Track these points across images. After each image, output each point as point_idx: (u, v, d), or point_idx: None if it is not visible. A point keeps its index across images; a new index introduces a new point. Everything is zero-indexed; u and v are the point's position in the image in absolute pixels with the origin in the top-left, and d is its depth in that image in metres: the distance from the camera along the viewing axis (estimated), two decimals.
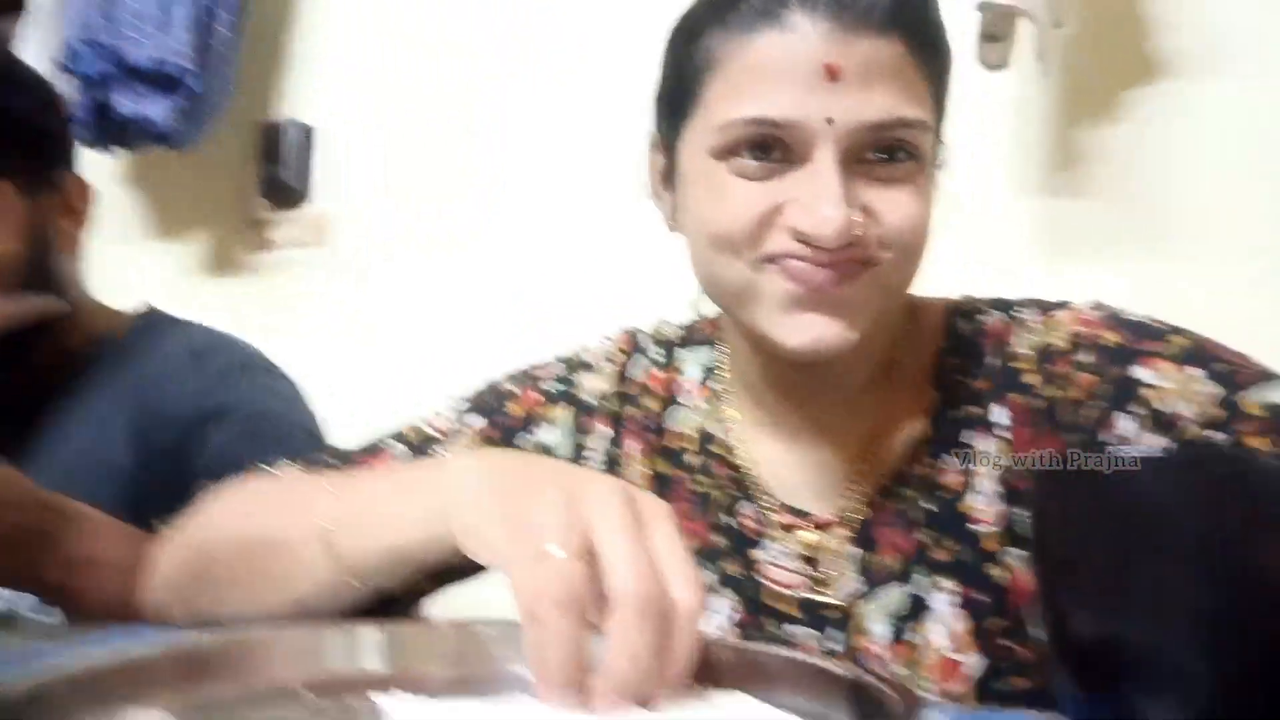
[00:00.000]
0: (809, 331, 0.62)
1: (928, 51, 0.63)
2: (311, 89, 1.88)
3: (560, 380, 0.79)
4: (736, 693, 0.48)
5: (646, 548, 0.44)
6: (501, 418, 0.77)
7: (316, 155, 1.86)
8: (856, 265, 0.62)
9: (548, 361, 0.81)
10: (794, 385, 0.72)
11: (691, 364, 0.79)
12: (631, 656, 0.42)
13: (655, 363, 0.79)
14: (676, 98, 0.67)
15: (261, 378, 1.04)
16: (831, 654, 0.68)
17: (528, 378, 0.79)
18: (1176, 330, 0.64)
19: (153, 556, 0.73)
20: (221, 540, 0.68)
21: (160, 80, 1.65)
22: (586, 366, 0.79)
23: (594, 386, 0.78)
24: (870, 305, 0.63)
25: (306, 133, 1.86)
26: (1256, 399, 0.58)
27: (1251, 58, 1.25)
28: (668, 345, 0.80)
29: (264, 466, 0.78)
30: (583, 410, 0.77)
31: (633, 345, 0.80)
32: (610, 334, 0.82)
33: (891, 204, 0.62)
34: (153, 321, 1.09)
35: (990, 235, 1.29)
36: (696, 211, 0.66)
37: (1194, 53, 1.27)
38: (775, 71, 0.61)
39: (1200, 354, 0.62)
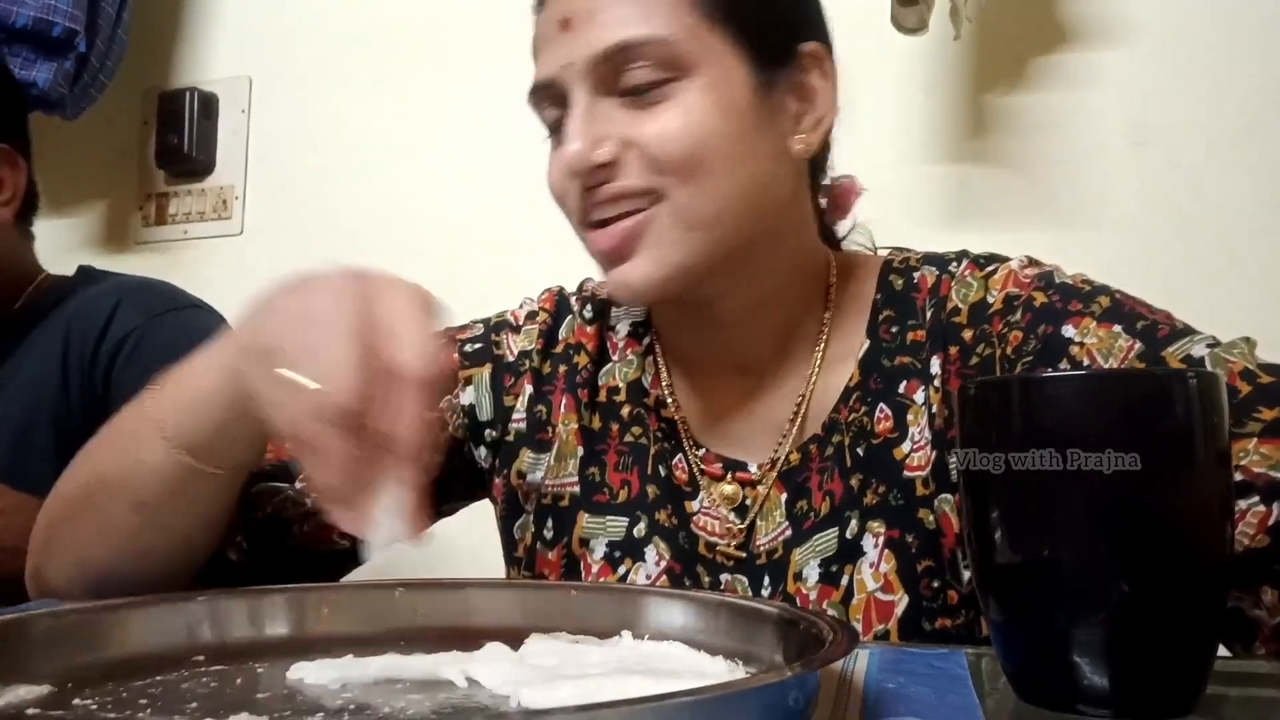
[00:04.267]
0: (615, 279, 0.66)
1: None
2: (214, 56, 1.81)
3: (480, 340, 0.79)
4: (672, 642, 0.47)
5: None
6: None
7: (220, 125, 1.79)
8: (639, 216, 0.64)
9: (468, 324, 0.81)
10: (702, 335, 0.73)
11: (623, 319, 0.79)
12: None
13: (584, 319, 0.79)
14: None
15: (190, 316, 1.07)
16: (763, 599, 0.68)
17: (449, 340, 0.79)
18: (1103, 290, 0.66)
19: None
20: (74, 469, 0.68)
21: (45, 43, 1.55)
22: (509, 326, 0.80)
23: (516, 345, 0.78)
24: (671, 239, 0.64)
25: (209, 101, 1.78)
26: (1177, 352, 0.59)
27: (1156, 27, 1.28)
28: (596, 303, 0.80)
29: None
30: (503, 369, 0.78)
31: (558, 304, 0.81)
32: (533, 295, 0.83)
33: (651, 126, 0.64)
34: (89, 274, 1.20)
35: (899, 201, 1.30)
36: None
37: (1101, 21, 1.30)
38: (540, 41, 0.68)
39: (1123, 312, 0.63)
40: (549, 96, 0.67)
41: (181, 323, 1.07)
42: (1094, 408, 0.39)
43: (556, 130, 0.68)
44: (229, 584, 0.63)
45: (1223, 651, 0.51)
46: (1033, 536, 0.40)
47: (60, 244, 1.82)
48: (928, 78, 1.36)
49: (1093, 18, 1.30)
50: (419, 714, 0.38)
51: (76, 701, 0.39)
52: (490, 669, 0.42)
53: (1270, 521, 0.51)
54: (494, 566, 0.84)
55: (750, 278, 0.69)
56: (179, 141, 1.74)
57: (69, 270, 1.22)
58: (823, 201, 0.78)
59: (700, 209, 0.64)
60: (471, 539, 0.92)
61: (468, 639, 0.48)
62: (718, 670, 0.43)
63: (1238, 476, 0.53)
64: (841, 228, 0.81)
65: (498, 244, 1.55)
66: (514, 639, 0.47)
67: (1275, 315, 1.17)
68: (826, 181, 0.77)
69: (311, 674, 0.43)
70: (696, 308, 0.71)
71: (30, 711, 0.37)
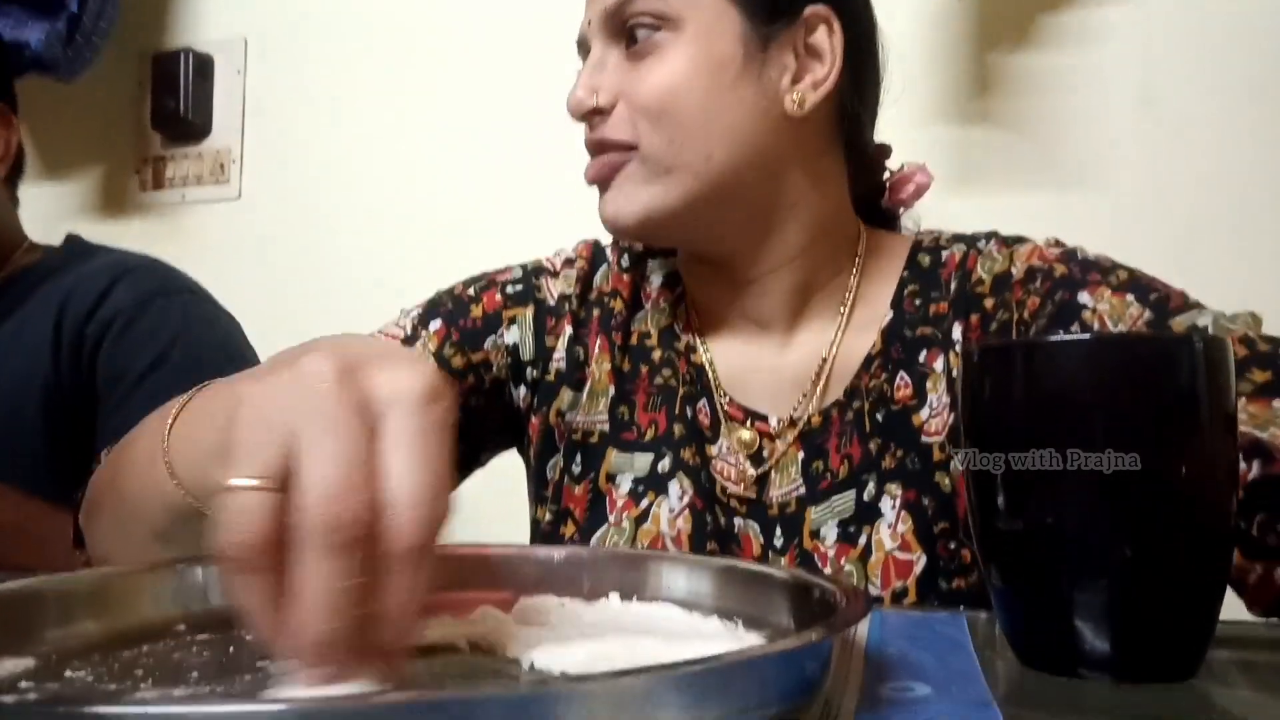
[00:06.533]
0: (601, 210, 0.72)
1: None
2: (209, 16, 1.78)
3: (521, 282, 0.80)
4: (661, 603, 0.47)
5: (360, 458, 0.32)
6: (464, 320, 0.78)
7: (216, 87, 1.77)
8: (617, 155, 0.69)
9: (507, 267, 0.82)
10: (722, 291, 0.76)
11: (656, 270, 0.81)
12: (313, 596, 0.31)
13: (621, 268, 0.81)
14: None
15: (181, 302, 1.05)
16: (778, 550, 0.70)
17: (490, 282, 0.81)
18: (1123, 266, 0.68)
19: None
20: (103, 473, 0.65)
21: (35, 3, 1.53)
22: (547, 271, 0.81)
23: (556, 289, 0.80)
24: (635, 184, 0.69)
25: (205, 63, 1.76)
26: (1184, 321, 0.62)
27: None
28: (632, 253, 0.82)
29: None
30: (545, 311, 0.79)
31: (594, 254, 0.82)
32: (569, 245, 0.84)
33: (636, 79, 0.69)
34: (79, 246, 1.16)
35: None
36: None
37: None
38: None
39: (1137, 284, 0.66)
40: (583, 50, 0.73)
41: (170, 309, 1.05)
42: (1100, 371, 0.39)
43: None
44: None
45: (1225, 615, 0.51)
46: (1035, 502, 0.40)
47: (58, 210, 1.81)
48: (931, 37, 1.34)
49: None
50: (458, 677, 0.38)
51: (68, 673, 0.38)
52: (491, 633, 0.42)
53: (1247, 479, 0.52)
54: (503, 525, 0.83)
55: (763, 236, 0.72)
56: (175, 104, 1.73)
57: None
58: (885, 187, 0.82)
59: (667, 158, 0.68)
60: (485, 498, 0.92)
61: (457, 604, 0.48)
62: (714, 629, 0.43)
63: None
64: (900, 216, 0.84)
65: (498, 207, 1.54)
66: (503, 604, 0.47)
67: None
68: (889, 164, 0.82)
69: None
70: (716, 265, 0.74)
71: (24, 684, 0.36)
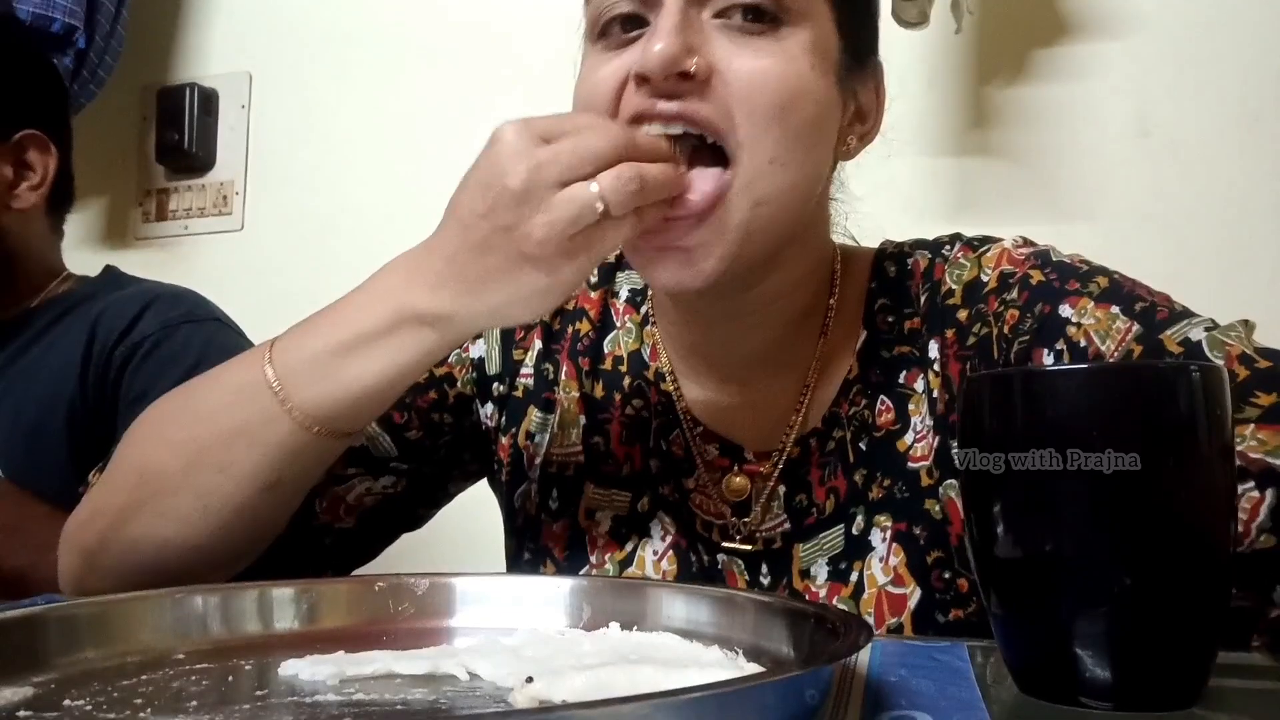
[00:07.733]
0: (664, 275, 0.61)
1: None
2: (214, 52, 1.80)
3: None
4: (661, 633, 0.47)
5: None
6: None
7: (220, 121, 1.78)
8: (694, 131, 0.58)
9: None
10: (712, 326, 0.70)
11: (624, 285, 0.78)
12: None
13: (589, 284, 0.77)
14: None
15: (207, 329, 1.09)
16: (765, 588, 0.68)
17: None
18: (1101, 270, 0.65)
19: (72, 518, 0.67)
20: (157, 446, 0.64)
21: (44, 38, 1.55)
22: None
23: None
24: (737, 224, 0.58)
25: (209, 97, 1.77)
26: (1175, 335, 0.58)
27: (1158, 17, 1.28)
28: (603, 267, 0.78)
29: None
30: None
31: None
32: None
33: (747, 60, 0.57)
34: (115, 276, 1.22)
35: (900, 194, 1.30)
36: (574, 99, 0.65)
37: (1102, 12, 1.29)
38: None
39: (1122, 293, 0.62)
40: (624, 26, 0.61)
41: (195, 336, 1.08)
42: (1097, 401, 0.39)
43: (609, 32, 0.62)
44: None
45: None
46: (1034, 531, 0.40)
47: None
48: (929, 71, 1.35)
49: (1094, 9, 1.30)
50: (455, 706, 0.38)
51: (67, 702, 0.38)
52: (490, 662, 0.42)
53: (1261, 507, 0.51)
54: (490, 552, 0.83)
55: (780, 267, 0.66)
56: (179, 137, 1.74)
57: (73, 269, 1.22)
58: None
59: (766, 177, 0.58)
60: (466, 523, 0.92)
61: (453, 633, 0.48)
62: (714, 658, 0.42)
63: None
64: None
65: None
66: (501, 633, 0.47)
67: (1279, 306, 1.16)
68: None
69: (305, 670, 0.42)
70: (719, 298, 0.66)
71: (22, 714, 0.36)
